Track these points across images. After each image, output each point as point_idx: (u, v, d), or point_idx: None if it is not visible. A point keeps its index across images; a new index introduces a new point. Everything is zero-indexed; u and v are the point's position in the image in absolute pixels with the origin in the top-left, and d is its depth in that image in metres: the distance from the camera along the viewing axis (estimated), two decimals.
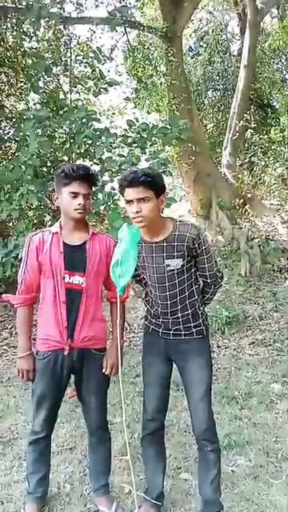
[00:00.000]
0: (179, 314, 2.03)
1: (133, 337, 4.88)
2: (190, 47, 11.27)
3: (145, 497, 2.16)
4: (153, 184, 1.85)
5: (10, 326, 5.28)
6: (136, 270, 2.04)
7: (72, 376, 2.15)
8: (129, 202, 1.87)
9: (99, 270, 2.05)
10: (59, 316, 2.01)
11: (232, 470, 2.50)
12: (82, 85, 5.55)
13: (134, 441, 2.78)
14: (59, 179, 2.01)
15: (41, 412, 2.11)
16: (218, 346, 4.48)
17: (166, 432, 2.27)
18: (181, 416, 3.09)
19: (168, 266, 1.95)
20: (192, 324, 2.05)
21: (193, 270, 2.03)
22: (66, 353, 2.03)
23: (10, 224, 5.81)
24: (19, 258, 4.28)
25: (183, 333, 2.05)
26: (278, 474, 2.46)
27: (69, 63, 5.47)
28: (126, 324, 4.98)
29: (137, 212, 1.84)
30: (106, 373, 2.10)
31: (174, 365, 2.14)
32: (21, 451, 2.75)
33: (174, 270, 1.95)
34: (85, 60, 5.71)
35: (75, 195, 1.97)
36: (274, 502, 2.24)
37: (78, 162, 5.09)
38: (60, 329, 2.02)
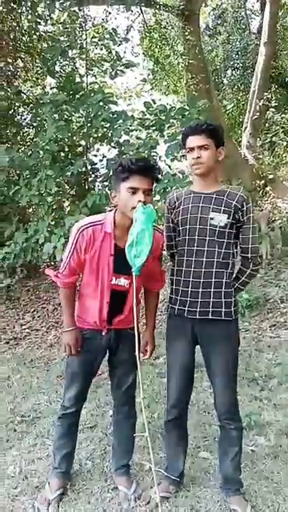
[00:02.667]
0: (212, 287, 1.96)
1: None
2: (208, 26, 11.01)
3: (164, 473, 2.20)
4: (213, 133, 1.97)
5: (32, 310, 5.38)
6: (174, 229, 2.09)
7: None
8: (190, 149, 1.98)
9: (144, 270, 1.88)
10: (100, 312, 2.03)
11: (252, 450, 2.51)
12: (98, 67, 5.50)
13: (154, 420, 2.83)
14: (117, 175, 1.88)
15: (73, 387, 2.15)
16: (239, 329, 4.46)
17: None
18: (200, 396, 3.10)
19: (212, 219, 1.95)
20: (222, 300, 1.97)
21: (233, 241, 2.00)
22: (103, 333, 2.08)
23: (30, 210, 5.87)
24: (39, 243, 4.36)
25: (211, 310, 1.96)
26: None
27: (84, 46, 5.42)
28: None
29: (197, 157, 1.95)
30: (145, 357, 2.19)
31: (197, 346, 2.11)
32: (44, 429, 2.83)
33: (216, 225, 1.94)
34: (100, 42, 5.64)
35: (134, 191, 1.81)
36: None
37: (96, 146, 5.09)
38: (100, 320, 2.05)
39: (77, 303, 2.16)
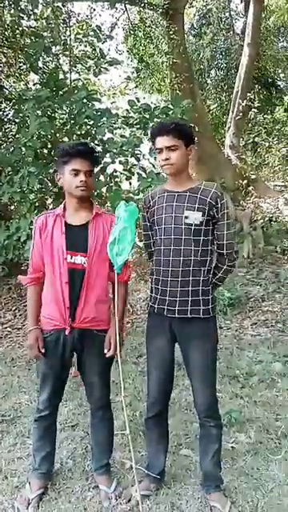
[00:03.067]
0: (189, 285, 1.97)
1: (135, 318, 4.91)
2: (193, 25, 11.05)
3: (145, 471, 2.20)
4: (182, 133, 1.94)
5: (13, 308, 5.32)
6: (151, 228, 2.07)
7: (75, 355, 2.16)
8: (159, 150, 1.95)
9: (103, 250, 2.00)
10: (61, 296, 2.02)
11: (232, 447, 2.54)
12: (82, 64, 5.45)
13: (136, 418, 2.84)
14: (59, 158, 2.00)
15: (45, 390, 2.14)
16: (220, 327, 4.49)
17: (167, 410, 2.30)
18: (182, 394, 3.12)
19: (186, 217, 1.94)
20: (200, 298, 1.99)
21: (209, 237, 1.99)
22: (67, 332, 2.04)
23: (12, 207, 5.79)
24: (21, 240, 4.31)
25: (189, 309, 1.97)
26: (278, 451, 2.49)
27: (68, 42, 5.37)
28: (128, 306, 5.02)
29: (166, 159, 1.93)
30: (108, 355, 2.08)
31: (177, 345, 2.13)
32: (24, 429, 2.80)
33: (191, 224, 1.94)
34: (84, 39, 5.60)
35: (76, 173, 1.96)
36: (272, 476, 2.28)
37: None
38: (62, 309, 2.03)
39: (42, 305, 2.13)
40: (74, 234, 2.03)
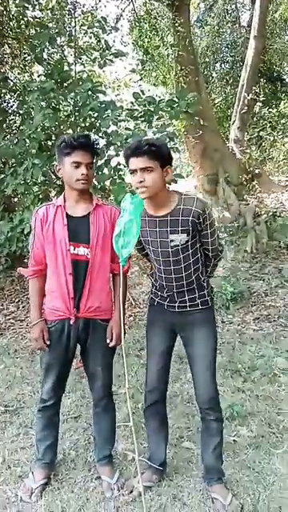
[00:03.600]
0: (185, 288, 2.03)
1: (138, 311, 4.91)
2: (198, 17, 10.93)
3: (147, 462, 2.22)
4: (157, 154, 1.81)
5: (16, 300, 5.34)
6: (141, 243, 2.05)
7: (79, 347, 2.18)
8: (132, 171, 1.83)
9: (105, 241, 2.04)
10: (65, 287, 2.03)
11: (234, 440, 2.55)
12: (87, 56, 5.41)
13: (138, 410, 2.84)
14: (60, 150, 1.99)
15: (49, 380, 2.15)
16: (223, 322, 4.50)
17: (169, 403, 2.31)
18: (184, 388, 3.13)
19: (172, 241, 1.92)
20: (197, 294, 2.04)
21: (197, 246, 2.01)
22: (71, 322, 2.06)
23: (16, 199, 5.79)
24: (25, 232, 4.31)
25: (188, 304, 2.04)
26: (279, 444, 2.50)
27: (73, 33, 5.32)
28: (130, 299, 5.03)
29: (140, 182, 1.80)
30: (111, 344, 2.10)
31: (178, 338, 2.16)
32: (27, 419, 2.82)
33: (178, 245, 1.93)
34: (90, 30, 5.56)
35: (77, 165, 1.95)
36: (274, 470, 2.29)
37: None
38: (66, 299, 2.04)
39: (46, 297, 2.15)
40: (75, 225, 2.03)
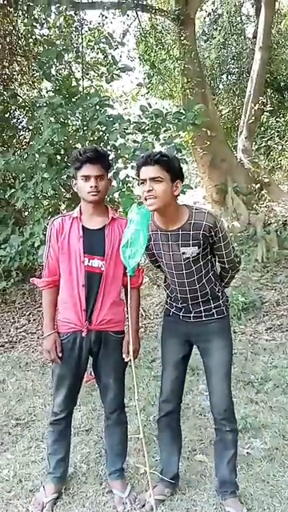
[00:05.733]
0: (199, 300, 2.03)
1: (148, 323, 4.89)
2: (204, 31, 11.05)
3: (160, 476, 2.18)
4: (167, 165, 1.83)
5: (27, 313, 5.36)
6: (154, 255, 2.07)
7: (90, 359, 2.17)
8: (142, 181, 1.85)
9: (119, 253, 1.99)
10: (78, 298, 2.03)
11: (248, 452, 2.50)
12: (94, 71, 5.52)
13: (150, 423, 2.82)
14: (72, 165, 2.06)
15: (60, 393, 2.14)
16: (235, 332, 4.45)
17: (181, 415, 2.28)
18: (196, 399, 3.10)
19: (184, 253, 1.94)
20: (212, 305, 2.05)
21: (209, 257, 2.01)
22: (83, 334, 2.05)
23: (26, 213, 5.86)
24: (35, 246, 4.35)
25: (204, 314, 2.04)
26: None
27: (80, 50, 5.43)
28: (141, 310, 5.01)
29: (148, 191, 1.80)
30: (127, 359, 2.10)
31: (194, 348, 2.16)
32: (38, 433, 2.81)
33: (189, 257, 1.94)
34: (96, 46, 5.67)
35: (87, 178, 1.98)
36: None
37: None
38: (78, 311, 2.04)
39: (58, 308, 2.15)
40: (90, 237, 2.04)
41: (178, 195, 1.92)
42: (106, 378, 2.16)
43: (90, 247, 2.03)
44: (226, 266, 2.07)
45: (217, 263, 2.09)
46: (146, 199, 1.84)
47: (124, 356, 2.10)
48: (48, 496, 2.17)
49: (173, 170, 1.85)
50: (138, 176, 1.89)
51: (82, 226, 2.05)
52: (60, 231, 2.06)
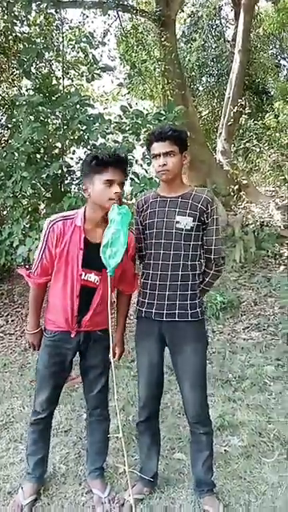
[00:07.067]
0: (177, 291, 1.98)
1: (128, 323, 4.89)
2: (184, 32, 11.15)
3: (138, 474, 2.20)
4: (178, 139, 1.96)
5: (5, 314, 5.30)
6: (139, 237, 2.08)
7: (75, 359, 2.17)
8: (155, 156, 1.97)
9: (118, 269, 1.94)
10: (70, 307, 2.01)
11: (225, 450, 2.55)
12: (74, 70, 5.49)
13: (129, 422, 2.83)
14: (90, 167, 1.87)
15: (43, 392, 2.12)
16: (213, 331, 4.52)
17: (160, 414, 2.29)
18: (175, 399, 3.13)
19: (178, 222, 1.97)
20: (188, 302, 2.00)
21: (200, 243, 2.02)
22: (72, 335, 2.05)
23: (4, 212, 5.78)
24: (14, 246, 4.30)
25: (177, 312, 1.99)
26: (270, 453, 2.51)
27: (61, 48, 5.40)
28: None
29: (163, 165, 1.95)
30: (116, 359, 2.17)
31: (167, 349, 2.13)
32: (17, 434, 2.79)
33: (182, 229, 1.96)
34: (77, 45, 5.64)
35: (111, 183, 1.84)
36: (265, 479, 2.29)
37: (72, 149, 5.07)
38: (69, 317, 2.03)
39: (46, 305, 2.14)
40: (91, 251, 1.93)
41: (186, 164, 2.07)
42: (93, 375, 2.16)
43: (88, 261, 1.95)
44: (212, 257, 2.04)
45: (202, 257, 2.08)
46: (159, 172, 1.99)
47: (111, 357, 2.07)
48: (26, 498, 2.15)
49: (182, 142, 1.99)
50: (149, 150, 2.04)
51: (85, 239, 1.94)
52: (60, 238, 1.93)
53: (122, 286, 2.16)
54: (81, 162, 4.82)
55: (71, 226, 1.95)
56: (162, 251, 2.00)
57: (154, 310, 2.04)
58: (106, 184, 1.84)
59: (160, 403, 2.22)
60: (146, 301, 2.07)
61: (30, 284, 2.09)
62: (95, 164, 1.85)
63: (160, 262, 2.01)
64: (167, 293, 2.00)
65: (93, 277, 1.99)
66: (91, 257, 1.92)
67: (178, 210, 1.99)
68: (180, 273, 1.99)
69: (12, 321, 5.14)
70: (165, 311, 2.01)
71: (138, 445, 2.34)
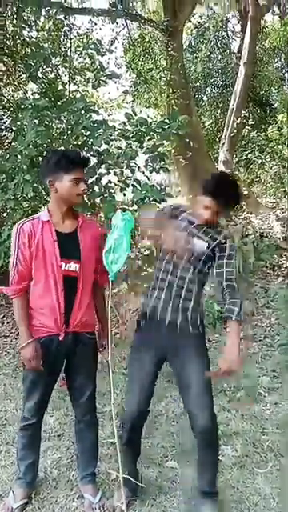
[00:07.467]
0: (181, 298, 2.00)
1: (125, 329, 4.90)
2: (190, 43, 11.24)
3: (133, 481, 2.16)
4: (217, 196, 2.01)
5: (1, 316, 5.29)
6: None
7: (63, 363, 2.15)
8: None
9: (91, 256, 2.07)
10: (57, 303, 2.00)
11: (218, 459, 2.53)
12: (81, 76, 5.53)
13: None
14: (59, 165, 1.97)
15: (32, 398, 2.10)
16: (209, 340, 4.50)
17: (154, 421, 2.29)
18: (169, 406, 3.12)
19: (194, 244, 1.99)
20: (189, 313, 2.00)
21: (208, 263, 2.04)
22: (61, 338, 2.03)
23: (4, 214, 5.78)
24: None
25: (179, 321, 1.98)
26: (264, 464, 2.50)
27: (68, 54, 5.45)
28: (117, 316, 5.03)
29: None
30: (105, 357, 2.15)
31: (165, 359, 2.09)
32: (9, 437, 2.77)
33: (193, 252, 1.97)
34: (84, 51, 5.69)
35: (78, 181, 1.99)
36: (258, 489, 2.28)
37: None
38: (57, 315, 2.02)
39: (31, 313, 2.08)
40: (64, 241, 2.02)
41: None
42: (80, 380, 2.15)
43: (65, 251, 2.01)
44: (224, 285, 2.03)
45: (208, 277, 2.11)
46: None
47: (108, 358, 2.08)
48: (17, 501, 2.14)
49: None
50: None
51: (56, 231, 2.03)
52: (32, 236, 1.98)
53: (100, 275, 2.14)
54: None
55: (39, 224, 2.03)
56: (172, 259, 2.05)
57: (158, 314, 2.03)
58: (74, 182, 1.98)
59: (145, 420, 2.14)
60: (151, 304, 2.08)
61: (10, 295, 2.06)
62: (65, 163, 1.97)
63: (170, 268, 2.05)
64: (171, 298, 2.02)
65: (73, 265, 2.02)
66: (67, 247, 2.02)
67: (199, 234, 2.04)
68: (185, 285, 2.03)
69: (7, 323, 5.13)
70: (167, 316, 2.01)
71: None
